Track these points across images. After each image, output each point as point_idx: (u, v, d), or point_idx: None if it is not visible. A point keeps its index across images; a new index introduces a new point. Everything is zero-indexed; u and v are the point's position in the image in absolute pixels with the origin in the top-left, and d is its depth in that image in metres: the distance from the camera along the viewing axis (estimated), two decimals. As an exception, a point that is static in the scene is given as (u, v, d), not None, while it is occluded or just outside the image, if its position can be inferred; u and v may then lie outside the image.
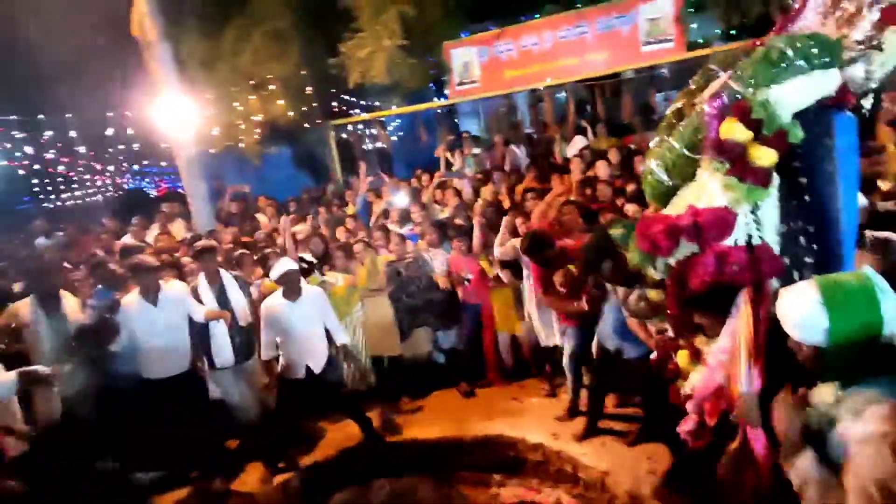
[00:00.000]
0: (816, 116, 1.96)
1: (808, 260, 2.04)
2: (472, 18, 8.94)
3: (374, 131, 11.05)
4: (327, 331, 4.55)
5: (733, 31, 8.23)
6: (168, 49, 6.29)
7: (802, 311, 1.57)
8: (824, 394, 1.59)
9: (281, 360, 4.47)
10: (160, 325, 4.28)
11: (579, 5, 8.82)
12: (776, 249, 2.02)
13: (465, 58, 7.96)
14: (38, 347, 4.07)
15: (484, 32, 8.36)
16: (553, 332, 4.91)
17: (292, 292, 4.38)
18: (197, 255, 4.70)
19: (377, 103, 10.24)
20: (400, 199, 6.95)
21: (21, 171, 10.46)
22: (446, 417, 5.00)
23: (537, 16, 9.40)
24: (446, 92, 10.35)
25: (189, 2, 8.60)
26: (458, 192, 6.58)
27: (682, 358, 2.55)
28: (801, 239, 2.05)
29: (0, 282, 5.26)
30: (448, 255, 5.50)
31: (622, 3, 7.33)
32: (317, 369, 4.45)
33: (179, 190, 19.28)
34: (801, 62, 1.89)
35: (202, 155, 7.21)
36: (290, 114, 8.65)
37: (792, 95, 1.91)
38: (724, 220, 1.98)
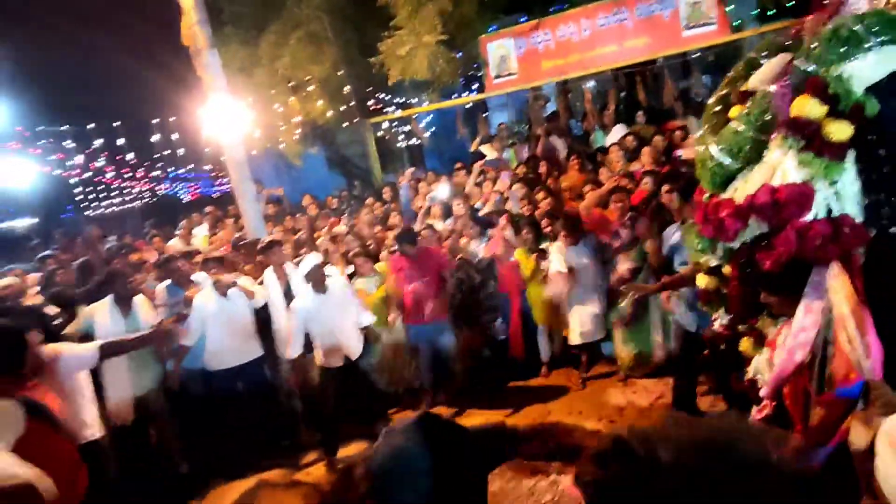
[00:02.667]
0: (889, 90, 1.99)
1: (894, 230, 2.05)
2: (507, 10, 8.93)
3: (408, 128, 11.15)
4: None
5: (770, 13, 8.08)
6: (216, 56, 6.46)
7: None
8: None
9: (319, 351, 4.58)
10: (230, 315, 4.51)
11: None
12: (860, 221, 2.03)
13: (502, 51, 7.96)
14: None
15: (517, 25, 8.35)
16: (587, 330, 5.07)
17: (319, 286, 4.50)
18: (265, 249, 4.85)
19: (411, 100, 10.33)
20: (441, 191, 7.01)
21: (72, 181, 10.83)
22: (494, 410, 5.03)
23: (566, 6, 9.36)
24: (476, 86, 10.40)
25: (227, 11, 8.83)
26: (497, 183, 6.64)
27: (744, 344, 2.55)
28: (885, 209, 2.07)
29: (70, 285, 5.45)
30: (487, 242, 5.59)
31: (662, -12, 7.26)
32: (354, 356, 4.61)
33: (213, 195, 19.80)
34: (871, 38, 1.93)
35: (248, 157, 7.40)
36: (329, 113, 8.80)
37: (864, 70, 1.95)
38: (803, 196, 1.99)
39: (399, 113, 9.91)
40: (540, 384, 5.42)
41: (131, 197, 20.00)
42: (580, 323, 5.12)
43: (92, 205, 19.11)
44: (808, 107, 1.97)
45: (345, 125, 9.52)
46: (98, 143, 9.29)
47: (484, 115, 10.34)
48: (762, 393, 2.20)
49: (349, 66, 8.69)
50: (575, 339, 5.21)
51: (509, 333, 5.51)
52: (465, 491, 1.21)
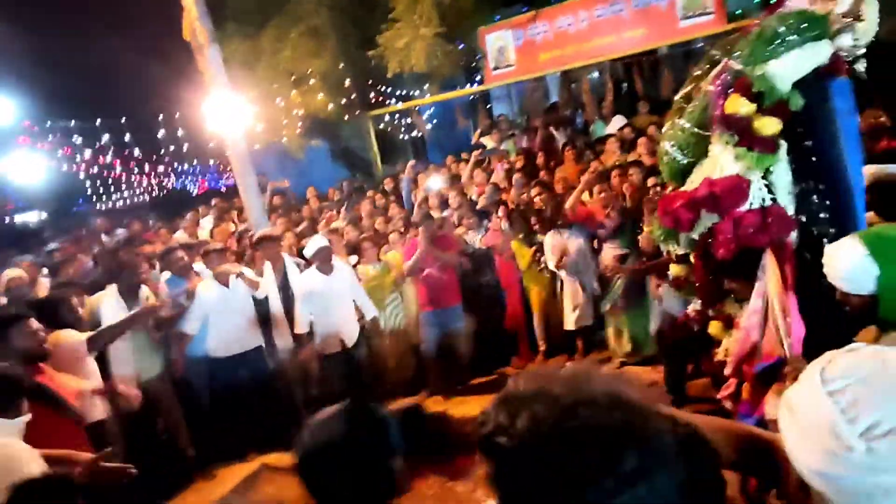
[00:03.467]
0: (814, 84, 2.12)
1: (823, 215, 2.18)
2: (506, 2, 8.95)
3: (409, 120, 11.21)
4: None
5: (771, 1, 8.02)
6: (217, 51, 6.57)
7: (851, 265, 1.69)
8: (865, 337, 1.71)
9: (317, 335, 4.73)
10: (232, 305, 4.66)
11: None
12: (791, 209, 2.16)
13: (500, 42, 7.98)
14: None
15: (517, 16, 8.36)
16: (583, 315, 5.13)
17: (326, 267, 4.69)
18: (259, 242, 4.98)
19: (412, 92, 10.39)
20: (434, 181, 7.10)
21: (82, 175, 11.04)
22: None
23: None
24: (478, 77, 10.43)
25: (229, 6, 8.93)
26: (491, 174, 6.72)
27: (714, 327, 2.67)
28: (815, 197, 2.20)
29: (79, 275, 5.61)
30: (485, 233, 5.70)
31: (659, -23, 7.25)
32: (350, 342, 4.75)
33: (221, 188, 20.04)
34: (793, 37, 2.04)
35: (251, 151, 7.53)
36: (330, 107, 8.90)
37: (788, 68, 2.06)
38: (738, 188, 2.13)
39: (400, 105, 9.97)
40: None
41: (140, 190, 20.26)
42: (574, 308, 5.22)
43: (102, 199, 19.39)
44: (738, 105, 2.10)
45: (346, 118, 9.61)
46: (105, 138, 9.46)
47: (487, 107, 10.38)
48: (725, 371, 2.30)
49: (349, 60, 8.77)
50: (570, 324, 5.30)
51: (511, 322, 5.62)
52: (386, 474, 1.27)
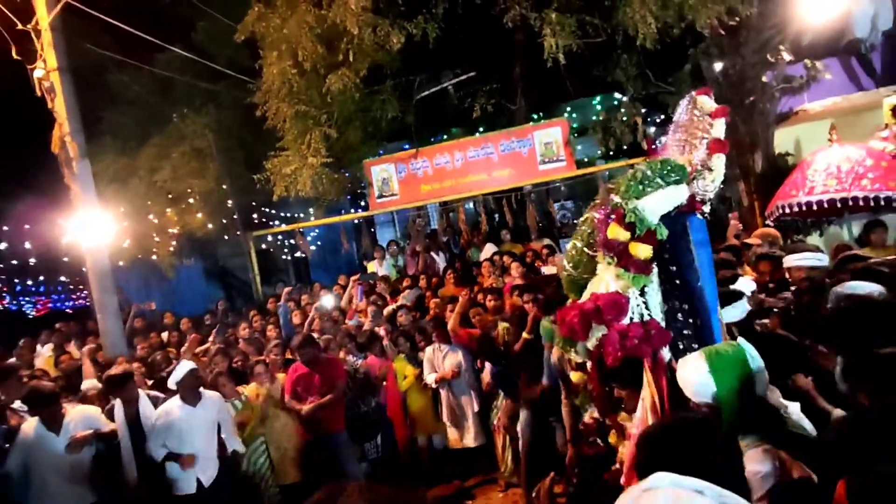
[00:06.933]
0: (676, 219, 2.55)
1: (686, 332, 2.50)
2: (388, 138, 9.79)
3: (293, 241, 11.23)
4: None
5: (612, 152, 9.72)
6: (88, 166, 6.30)
7: (696, 380, 2.00)
8: None
9: (169, 473, 4.17)
10: (63, 455, 3.93)
11: (482, 129, 10.08)
12: (662, 325, 2.47)
13: (384, 174, 8.63)
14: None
15: (400, 151, 9.17)
16: (466, 435, 5.20)
17: (192, 397, 4.27)
18: (113, 383, 4.30)
19: (297, 214, 10.54)
20: (326, 301, 7.05)
21: None
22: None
23: (445, 136, 10.53)
24: (362, 202, 10.97)
25: (106, 120, 8.73)
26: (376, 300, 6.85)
27: (612, 437, 2.86)
28: (679, 315, 2.54)
29: None
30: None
31: (520, 130, 8.65)
32: (207, 483, 4.22)
33: (65, 309, 17.72)
34: (659, 180, 2.49)
35: (115, 268, 6.98)
36: (210, 226, 8.68)
37: (654, 204, 2.47)
38: (617, 303, 2.42)
39: (284, 227, 10.01)
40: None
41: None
42: (458, 427, 5.21)
43: None
44: (617, 232, 2.47)
45: (226, 237, 9.39)
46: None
47: (371, 230, 10.77)
48: (622, 481, 2.43)
49: (233, 181, 8.80)
50: (456, 443, 5.26)
51: (397, 447, 5.42)
52: None
